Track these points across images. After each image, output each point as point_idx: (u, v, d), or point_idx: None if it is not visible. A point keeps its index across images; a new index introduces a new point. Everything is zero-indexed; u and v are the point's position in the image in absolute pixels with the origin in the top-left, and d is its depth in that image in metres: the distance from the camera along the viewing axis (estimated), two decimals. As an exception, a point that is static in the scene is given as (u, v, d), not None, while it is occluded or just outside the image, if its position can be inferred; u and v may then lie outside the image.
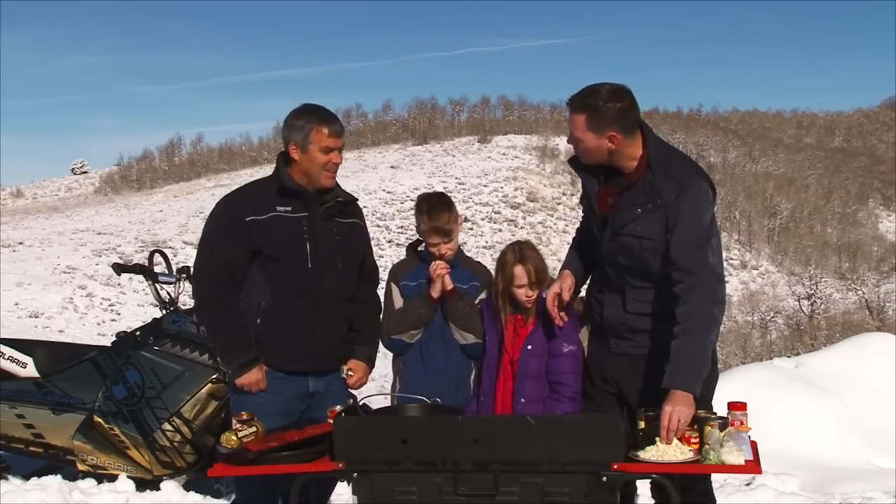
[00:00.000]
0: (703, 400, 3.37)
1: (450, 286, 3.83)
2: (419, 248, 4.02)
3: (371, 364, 3.90)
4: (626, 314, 3.41)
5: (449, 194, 4.12)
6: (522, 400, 3.68)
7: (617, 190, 3.38)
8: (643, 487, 3.67)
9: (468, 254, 4.18)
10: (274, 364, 3.64)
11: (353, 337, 3.83)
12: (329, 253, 3.66)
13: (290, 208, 3.63)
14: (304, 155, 3.61)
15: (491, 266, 4.08)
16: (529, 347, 3.70)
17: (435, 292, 3.84)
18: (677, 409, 3.02)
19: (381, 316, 3.97)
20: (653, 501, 3.52)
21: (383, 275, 3.94)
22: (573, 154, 3.47)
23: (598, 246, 3.47)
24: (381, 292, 4.02)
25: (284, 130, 3.68)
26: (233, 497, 3.89)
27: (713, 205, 3.36)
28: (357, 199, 3.86)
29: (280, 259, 3.61)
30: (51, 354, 5.77)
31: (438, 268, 3.83)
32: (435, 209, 3.87)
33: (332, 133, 3.61)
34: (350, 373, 3.80)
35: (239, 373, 3.60)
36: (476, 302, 3.93)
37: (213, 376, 5.18)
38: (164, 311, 5.60)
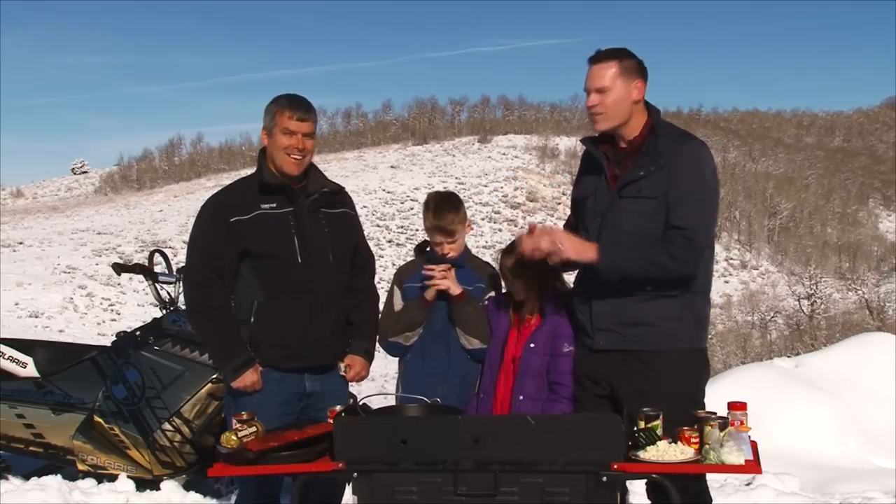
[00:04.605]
0: (694, 397, 3.36)
1: (457, 290, 3.79)
2: (427, 249, 4.00)
3: (369, 357, 3.84)
4: (617, 301, 3.36)
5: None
6: (521, 397, 3.63)
7: (623, 161, 3.45)
8: (635, 486, 3.65)
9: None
10: (270, 363, 3.60)
11: (350, 330, 3.78)
12: (319, 246, 3.62)
13: (274, 205, 3.59)
14: (270, 139, 3.60)
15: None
16: (532, 345, 3.65)
17: (429, 295, 3.81)
18: (574, 242, 3.32)
19: (377, 307, 3.92)
20: (647, 502, 3.49)
21: (385, 274, 3.92)
22: (585, 135, 3.61)
23: (591, 234, 3.46)
24: (378, 284, 3.98)
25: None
26: (233, 497, 3.89)
27: (713, 167, 3.43)
28: (344, 188, 3.81)
29: (270, 257, 3.57)
30: (51, 354, 5.76)
31: (438, 272, 3.78)
32: (441, 208, 3.83)
33: (294, 116, 3.56)
34: (347, 369, 3.76)
35: (234, 375, 3.57)
36: (483, 301, 3.89)
37: (213, 376, 5.17)
38: (164, 311, 5.59)
